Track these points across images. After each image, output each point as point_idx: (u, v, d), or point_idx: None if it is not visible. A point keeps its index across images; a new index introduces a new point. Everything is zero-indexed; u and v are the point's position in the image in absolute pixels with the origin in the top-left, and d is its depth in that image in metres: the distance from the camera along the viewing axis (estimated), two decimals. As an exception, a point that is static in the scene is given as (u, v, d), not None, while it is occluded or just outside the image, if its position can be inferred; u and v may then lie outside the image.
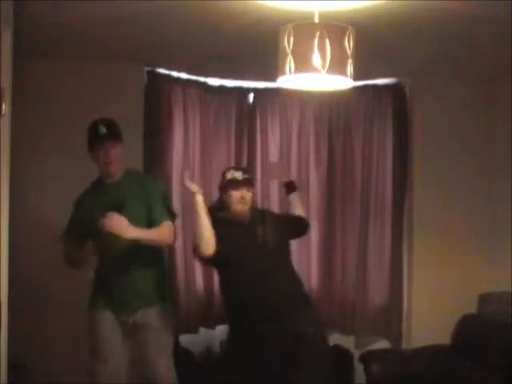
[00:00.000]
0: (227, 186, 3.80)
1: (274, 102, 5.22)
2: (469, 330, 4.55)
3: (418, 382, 4.50)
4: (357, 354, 4.92)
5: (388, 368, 4.57)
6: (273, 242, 3.75)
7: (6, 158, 2.80)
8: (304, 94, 4.56)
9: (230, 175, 3.83)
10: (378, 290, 5.27)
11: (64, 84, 4.71)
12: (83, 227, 3.77)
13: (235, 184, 3.78)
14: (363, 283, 5.25)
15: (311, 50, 2.92)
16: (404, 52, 4.39)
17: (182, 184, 3.79)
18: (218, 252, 3.65)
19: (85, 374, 3.80)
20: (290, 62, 2.97)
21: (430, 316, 5.09)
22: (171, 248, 4.74)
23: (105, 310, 3.74)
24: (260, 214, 3.90)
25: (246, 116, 5.21)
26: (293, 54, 2.96)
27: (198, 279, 5.03)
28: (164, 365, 3.75)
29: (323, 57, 2.92)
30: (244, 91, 5.22)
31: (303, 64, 2.96)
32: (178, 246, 4.86)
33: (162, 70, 4.96)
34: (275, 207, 4.98)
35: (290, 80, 3.11)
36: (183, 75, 5.05)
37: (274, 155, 5.22)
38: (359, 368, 4.79)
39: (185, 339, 4.87)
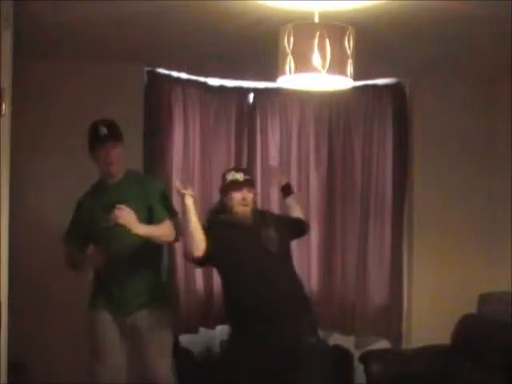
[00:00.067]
0: (228, 187, 3.79)
1: (273, 102, 5.22)
2: (469, 330, 4.55)
3: (418, 382, 4.50)
4: (357, 354, 4.92)
5: (388, 368, 4.57)
6: (275, 244, 3.75)
7: (6, 158, 2.80)
8: (304, 94, 4.56)
9: (230, 176, 3.81)
10: (378, 290, 5.27)
11: (64, 84, 4.71)
12: (84, 228, 3.79)
13: (236, 185, 3.77)
14: (363, 283, 5.25)
15: (311, 50, 2.92)
16: (404, 52, 4.39)
17: (174, 186, 3.78)
18: (207, 253, 3.64)
19: (85, 373, 3.80)
20: (290, 62, 2.97)
21: (430, 316, 5.09)
22: (171, 248, 4.75)
23: (104, 310, 3.74)
24: (261, 216, 3.90)
25: (246, 116, 5.21)
26: (293, 54, 2.96)
27: (198, 279, 5.03)
28: (163, 365, 3.75)
29: (323, 57, 2.92)
30: (244, 91, 5.22)
31: (303, 64, 2.96)
32: (178, 246, 4.85)
33: (162, 70, 4.96)
34: (275, 207, 4.98)
35: (290, 80, 3.11)
36: (183, 75, 5.05)
37: (273, 155, 5.22)
38: (359, 368, 4.79)
39: (185, 339, 4.87)
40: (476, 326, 4.51)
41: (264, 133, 5.21)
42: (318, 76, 2.99)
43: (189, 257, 3.72)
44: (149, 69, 4.93)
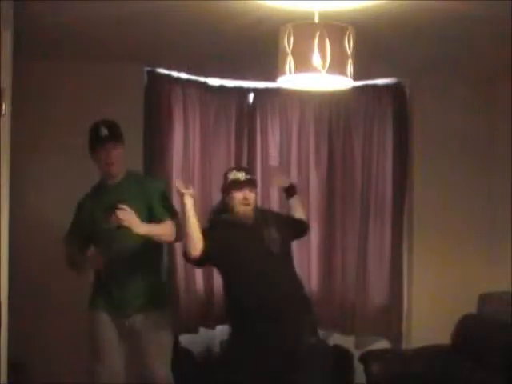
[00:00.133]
0: (230, 187, 3.77)
1: (273, 101, 5.22)
2: (469, 330, 4.55)
3: (418, 382, 4.50)
4: (357, 354, 4.92)
5: (388, 368, 4.57)
6: (276, 244, 3.74)
7: (6, 158, 2.80)
8: (304, 94, 4.56)
9: (232, 176, 3.79)
10: (378, 290, 5.27)
11: (64, 84, 4.71)
12: (85, 230, 3.80)
13: (238, 185, 3.75)
14: (363, 283, 5.25)
15: (311, 50, 2.92)
16: (404, 52, 4.39)
17: (174, 186, 3.77)
18: (205, 253, 3.63)
19: (85, 373, 3.80)
20: (290, 62, 2.97)
21: (430, 316, 5.09)
22: (171, 248, 4.75)
23: (103, 311, 3.74)
24: (263, 215, 3.88)
25: (246, 116, 5.21)
26: (293, 54, 2.96)
27: (198, 279, 5.03)
28: (162, 365, 3.75)
29: (323, 57, 2.92)
30: (244, 91, 5.22)
31: (303, 64, 2.96)
32: (178, 246, 4.85)
33: (162, 70, 4.96)
34: (275, 207, 4.98)
35: (290, 80, 3.11)
36: (183, 75, 5.05)
37: (273, 155, 5.22)
38: (359, 368, 4.79)
39: (185, 339, 4.88)
40: (476, 326, 4.51)
41: (264, 133, 5.21)
42: (318, 76, 2.99)
43: (187, 257, 3.72)
44: (149, 69, 4.93)
